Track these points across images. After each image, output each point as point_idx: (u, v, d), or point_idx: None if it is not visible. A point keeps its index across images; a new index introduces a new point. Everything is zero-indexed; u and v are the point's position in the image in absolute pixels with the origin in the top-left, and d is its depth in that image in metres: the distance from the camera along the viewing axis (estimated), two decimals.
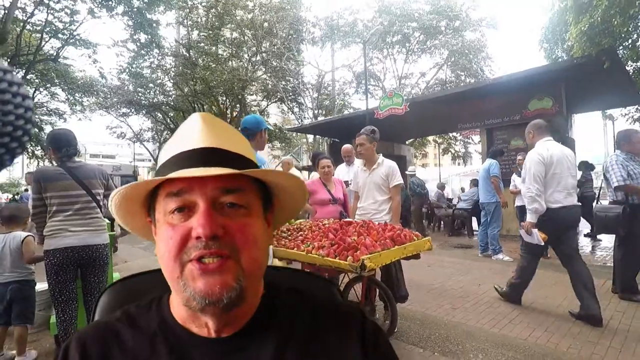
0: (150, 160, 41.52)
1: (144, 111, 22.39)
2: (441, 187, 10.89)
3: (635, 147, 3.85)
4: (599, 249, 7.00)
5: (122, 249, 8.14)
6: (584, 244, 7.62)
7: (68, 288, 2.52)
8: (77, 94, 19.34)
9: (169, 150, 0.58)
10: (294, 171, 6.46)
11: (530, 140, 3.82)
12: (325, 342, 0.57)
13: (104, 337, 0.55)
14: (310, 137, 21.26)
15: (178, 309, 0.56)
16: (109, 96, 20.58)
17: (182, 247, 0.50)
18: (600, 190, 7.44)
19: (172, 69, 21.19)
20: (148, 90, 21.23)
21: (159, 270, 0.68)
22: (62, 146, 2.55)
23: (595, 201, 5.46)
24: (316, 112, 20.75)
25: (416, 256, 2.73)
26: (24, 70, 14.04)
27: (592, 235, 7.93)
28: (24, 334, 2.77)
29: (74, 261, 2.51)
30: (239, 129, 2.95)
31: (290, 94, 21.48)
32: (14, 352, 2.77)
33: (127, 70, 20.27)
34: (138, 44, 18.47)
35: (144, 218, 0.60)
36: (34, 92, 18.21)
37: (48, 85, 18.26)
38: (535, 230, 3.44)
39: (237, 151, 0.57)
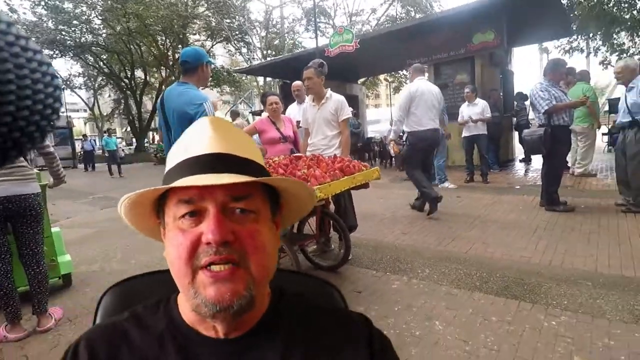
0: (85, 110, 38.15)
1: (70, 53, 20.01)
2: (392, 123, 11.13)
3: (557, 76, 4.35)
4: (531, 171, 7.71)
5: (65, 205, 7.73)
6: (519, 168, 8.36)
7: None
8: None
9: (177, 155, 0.57)
10: (218, 114, 6.11)
11: (411, 79, 4.86)
12: (331, 345, 0.58)
13: (113, 337, 0.55)
14: (261, 80, 20.40)
15: (186, 311, 0.57)
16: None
17: (192, 253, 0.51)
18: (528, 116, 8.09)
19: (99, 3, 18.77)
20: (72, 28, 18.84)
21: (160, 272, 0.69)
22: None
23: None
24: (265, 52, 19.75)
25: (365, 185, 2.84)
26: None
27: (525, 160, 8.67)
28: None
29: (0, 213, 2.31)
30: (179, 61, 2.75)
31: (237, 32, 20.08)
32: None
33: (42, 3, 17.69)
34: None
35: (153, 220, 0.60)
36: None
37: None
38: (391, 145, 5.11)
39: (246, 156, 0.57)
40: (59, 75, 0.37)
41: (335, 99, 3.46)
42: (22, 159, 2.40)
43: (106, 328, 0.57)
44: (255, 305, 0.54)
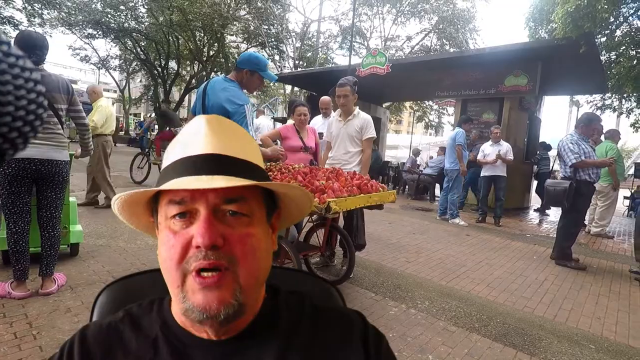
0: (116, 92, 39.17)
1: (112, 35, 20.65)
2: (416, 153, 11.10)
3: (589, 131, 4.25)
4: (545, 222, 7.55)
5: (82, 178, 7.85)
6: (533, 217, 8.20)
7: (22, 200, 2.44)
8: (36, 4, 17.43)
9: (172, 154, 0.56)
10: (103, 101, 5.33)
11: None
12: (327, 345, 0.57)
13: (107, 338, 0.55)
14: (288, 89, 20.70)
15: (179, 312, 0.56)
16: (73, 12, 18.72)
17: (183, 256, 0.50)
18: (552, 168, 7.95)
19: None
20: (118, 13, 19.47)
21: (157, 270, 0.68)
22: (28, 49, 2.34)
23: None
24: (297, 62, 20.06)
25: (379, 206, 2.83)
26: None
27: (541, 210, 8.52)
28: None
29: (31, 174, 2.41)
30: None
31: (273, 39, 20.47)
32: None
33: None
34: None
35: (147, 218, 0.60)
36: None
37: None
38: None
39: (243, 157, 0.56)
40: (41, 81, 0.38)
41: (362, 117, 3.50)
42: (59, 126, 2.52)
43: (101, 329, 0.56)
44: (246, 311, 0.53)
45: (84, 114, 2.76)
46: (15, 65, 0.34)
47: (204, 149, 0.53)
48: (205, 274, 0.49)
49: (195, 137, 0.55)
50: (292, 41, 20.79)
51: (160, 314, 0.58)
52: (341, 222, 3.50)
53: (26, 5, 17.43)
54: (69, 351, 0.54)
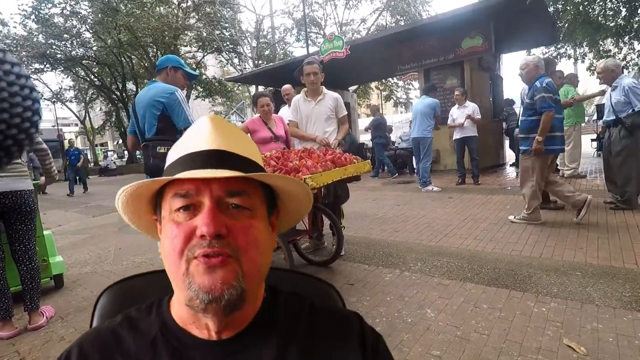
0: (77, 125, 37.93)
1: (61, 67, 19.99)
2: (389, 130, 11.19)
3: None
4: None
5: (56, 214, 7.65)
6: (510, 171, 8.44)
7: None
8: None
9: (177, 151, 0.58)
10: None
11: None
12: (326, 345, 0.58)
13: (106, 343, 0.55)
14: (253, 90, 20.51)
15: (179, 310, 0.56)
16: (15, 49, 17.99)
17: (186, 245, 0.51)
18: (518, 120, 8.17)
19: (90, 17, 18.84)
20: (63, 42, 18.84)
21: (157, 272, 0.70)
22: None
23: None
24: (257, 62, 19.87)
25: (357, 178, 2.86)
26: None
27: (516, 165, 8.75)
28: None
29: None
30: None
31: (228, 43, 20.21)
32: None
33: (32, 16, 17.69)
34: None
35: (150, 216, 0.61)
36: None
37: None
38: None
39: (244, 154, 0.58)
40: (37, 89, 0.37)
41: (331, 96, 3.56)
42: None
43: (99, 334, 0.56)
44: (247, 302, 0.53)
45: (40, 139, 2.68)
46: (11, 72, 0.33)
47: (208, 146, 0.55)
48: (210, 255, 0.50)
49: (199, 134, 0.57)
50: (248, 41, 20.58)
51: (159, 315, 0.58)
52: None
53: None
54: (66, 358, 0.53)
